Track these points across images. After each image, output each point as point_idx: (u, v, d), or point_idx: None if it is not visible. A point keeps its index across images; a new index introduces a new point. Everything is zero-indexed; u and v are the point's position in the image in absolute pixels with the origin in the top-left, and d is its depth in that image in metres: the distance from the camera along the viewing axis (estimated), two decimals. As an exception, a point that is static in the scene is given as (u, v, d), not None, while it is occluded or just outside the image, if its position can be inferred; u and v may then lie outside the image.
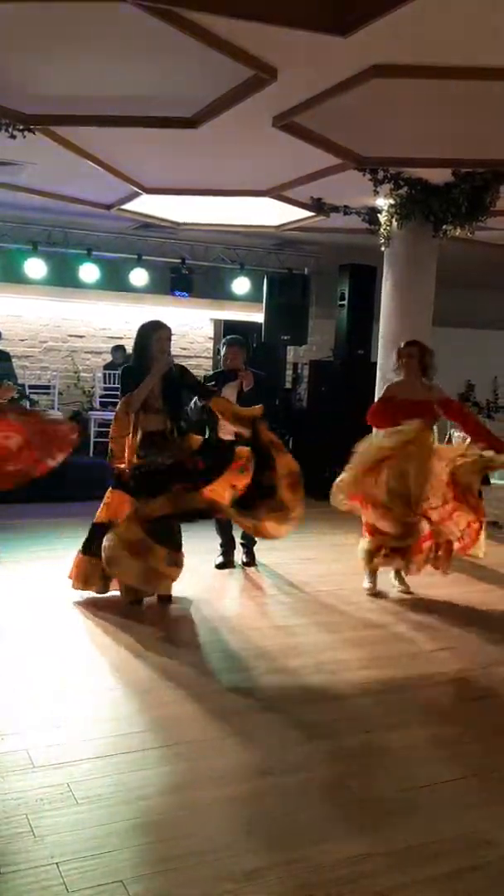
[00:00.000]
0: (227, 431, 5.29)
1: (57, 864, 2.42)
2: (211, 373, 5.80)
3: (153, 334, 4.85)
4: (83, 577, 4.94)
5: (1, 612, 4.76)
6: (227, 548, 5.95)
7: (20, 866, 2.40)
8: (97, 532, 4.86)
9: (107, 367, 9.80)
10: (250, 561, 5.93)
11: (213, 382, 5.61)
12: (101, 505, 4.95)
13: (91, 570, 4.89)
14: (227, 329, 10.45)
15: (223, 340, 5.92)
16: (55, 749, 3.13)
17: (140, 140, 5.49)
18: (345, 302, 9.09)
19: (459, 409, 5.44)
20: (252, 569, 5.86)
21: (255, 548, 5.99)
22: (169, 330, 4.92)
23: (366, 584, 5.38)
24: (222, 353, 5.87)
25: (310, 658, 4.23)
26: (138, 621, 4.64)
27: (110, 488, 4.94)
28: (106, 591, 4.92)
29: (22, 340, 9.96)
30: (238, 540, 5.98)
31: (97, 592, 4.93)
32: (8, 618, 4.66)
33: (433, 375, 5.42)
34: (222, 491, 4.68)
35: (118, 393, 8.99)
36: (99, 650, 4.25)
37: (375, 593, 5.34)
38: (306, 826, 2.71)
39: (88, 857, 2.46)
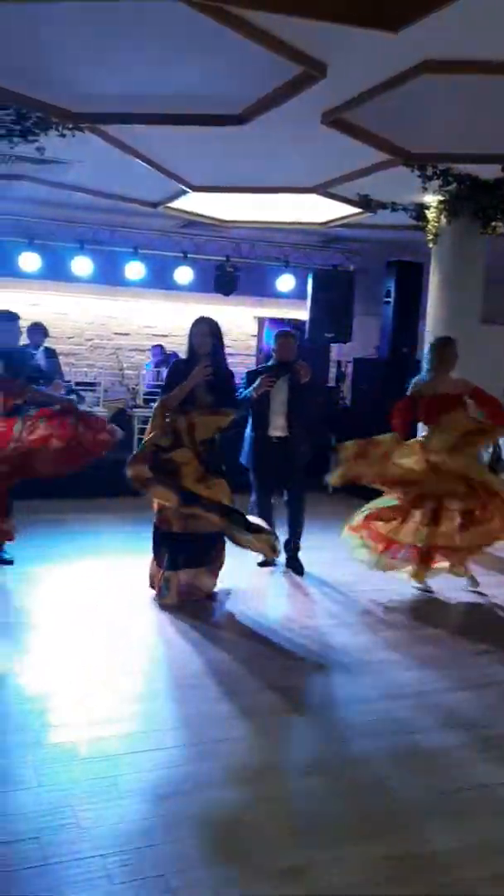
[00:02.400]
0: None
1: (101, 855, 2.44)
2: (259, 366, 5.76)
3: (192, 329, 4.89)
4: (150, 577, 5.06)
5: (52, 609, 4.83)
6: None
7: (65, 857, 2.43)
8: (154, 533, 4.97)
9: (148, 365, 9.86)
10: (298, 568, 5.85)
11: (265, 375, 5.53)
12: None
13: (154, 570, 5.02)
14: (272, 326, 10.45)
15: (275, 333, 5.89)
16: (101, 742, 3.16)
17: (187, 138, 5.51)
18: (390, 299, 9.01)
19: (481, 394, 5.33)
20: (292, 569, 5.84)
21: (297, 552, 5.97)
22: (206, 325, 4.90)
23: (415, 583, 5.34)
24: (273, 345, 5.82)
25: (351, 658, 4.21)
26: (182, 618, 4.66)
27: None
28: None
29: (69, 338, 10.09)
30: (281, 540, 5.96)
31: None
32: (59, 613, 4.73)
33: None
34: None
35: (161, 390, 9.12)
36: (145, 646, 4.29)
37: (426, 590, 5.32)
38: (348, 825, 2.70)
39: (132, 850, 2.48)
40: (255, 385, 5.42)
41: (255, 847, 2.54)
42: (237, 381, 5.53)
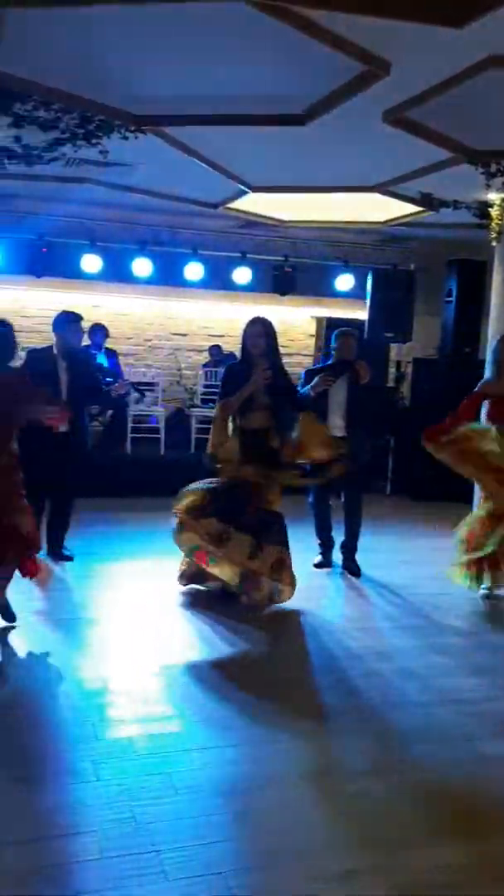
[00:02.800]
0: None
1: (157, 851, 2.47)
2: (316, 365, 5.73)
3: (246, 330, 4.88)
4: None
5: (110, 605, 4.91)
6: (326, 547, 5.92)
7: (121, 852, 2.46)
8: None
9: (205, 365, 9.92)
10: (354, 570, 5.81)
11: (325, 373, 5.51)
12: None
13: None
14: (330, 326, 10.39)
15: (335, 332, 5.84)
16: (157, 739, 3.19)
17: (248, 138, 5.52)
18: (452, 298, 8.88)
19: None
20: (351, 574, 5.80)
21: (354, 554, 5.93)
22: (260, 325, 4.88)
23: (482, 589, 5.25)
24: (333, 344, 5.78)
25: (406, 662, 4.17)
26: (238, 619, 4.68)
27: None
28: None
29: (128, 338, 10.21)
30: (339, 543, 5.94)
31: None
32: (117, 610, 4.80)
33: None
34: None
35: (218, 391, 9.18)
36: (201, 644, 4.32)
37: (491, 595, 5.25)
38: (403, 830, 2.68)
39: (188, 847, 2.50)
40: (313, 383, 5.40)
41: (312, 849, 2.53)
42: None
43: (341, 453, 4.87)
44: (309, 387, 5.43)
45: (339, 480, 5.24)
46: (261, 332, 4.85)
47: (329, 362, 5.80)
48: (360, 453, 5.74)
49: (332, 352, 5.79)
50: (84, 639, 4.32)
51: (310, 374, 5.66)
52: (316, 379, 5.42)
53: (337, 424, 5.63)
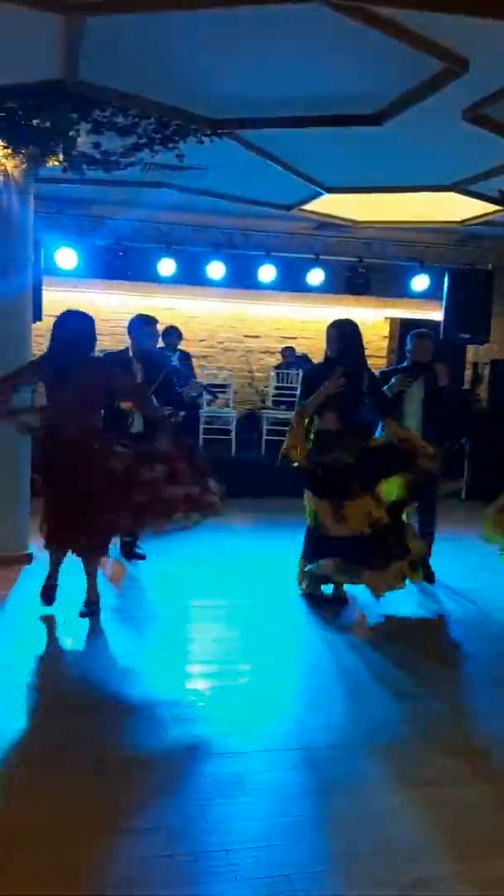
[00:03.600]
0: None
1: (227, 851, 2.48)
2: (391, 367, 5.66)
3: (329, 331, 4.86)
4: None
5: (181, 604, 4.96)
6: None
7: (191, 850, 2.48)
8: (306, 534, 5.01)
9: (277, 367, 9.93)
10: (429, 576, 5.65)
11: (403, 375, 5.46)
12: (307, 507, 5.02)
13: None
14: (404, 327, 10.26)
15: (410, 333, 5.76)
16: (227, 739, 3.21)
17: (323, 139, 5.49)
18: (530, 299, 8.65)
19: None
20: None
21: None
22: (339, 328, 4.86)
23: None
24: (409, 346, 5.70)
25: (482, 669, 4.08)
26: (313, 621, 4.66)
27: (306, 491, 4.98)
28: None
29: (200, 341, 10.31)
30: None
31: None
32: (188, 610, 4.84)
33: None
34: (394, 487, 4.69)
35: (291, 393, 9.17)
36: (273, 647, 4.32)
37: None
38: (476, 839, 2.62)
39: (258, 848, 2.50)
40: (389, 385, 5.35)
41: (383, 855, 2.50)
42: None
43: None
44: (385, 388, 5.37)
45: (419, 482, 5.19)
46: (334, 336, 4.84)
47: (405, 364, 5.72)
48: (437, 457, 5.65)
49: (408, 353, 5.70)
50: (155, 637, 4.38)
51: (386, 375, 5.60)
52: (392, 380, 5.36)
53: (413, 427, 5.55)
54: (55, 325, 4.37)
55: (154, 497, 4.10)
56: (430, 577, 5.65)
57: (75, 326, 4.28)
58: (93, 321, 4.38)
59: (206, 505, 4.17)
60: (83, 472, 4.10)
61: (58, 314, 4.36)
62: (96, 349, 4.55)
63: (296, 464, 4.89)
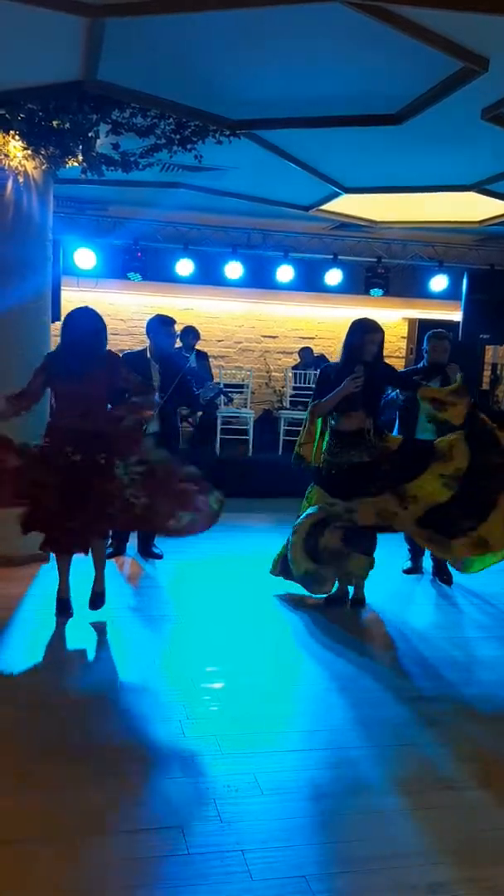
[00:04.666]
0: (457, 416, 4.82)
1: (242, 851, 2.48)
2: (409, 368, 5.65)
3: (360, 335, 4.79)
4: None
5: (199, 604, 4.97)
6: (415, 553, 5.82)
7: (207, 849, 2.48)
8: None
9: (295, 367, 9.92)
10: (446, 577, 5.66)
11: (418, 376, 5.44)
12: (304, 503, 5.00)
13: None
14: (422, 327, 10.22)
15: (427, 334, 5.73)
16: (243, 739, 3.21)
17: (342, 139, 5.48)
18: (550, 299, 8.59)
19: None
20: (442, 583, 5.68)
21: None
22: (371, 327, 4.80)
23: None
24: (426, 346, 5.67)
25: (498, 673, 4.05)
26: (325, 622, 4.65)
27: (315, 486, 4.97)
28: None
29: (219, 341, 10.33)
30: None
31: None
32: (206, 609, 4.85)
33: None
34: (431, 485, 4.57)
35: (308, 393, 9.15)
36: (289, 647, 4.32)
37: None
38: (492, 844, 2.60)
39: (273, 848, 2.50)
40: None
41: (398, 858, 2.49)
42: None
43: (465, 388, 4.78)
44: (398, 391, 5.36)
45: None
46: (373, 339, 4.80)
47: (422, 365, 5.70)
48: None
49: (425, 354, 5.68)
50: (172, 636, 4.39)
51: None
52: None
53: (428, 429, 5.53)
54: (63, 323, 4.40)
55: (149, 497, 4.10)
56: (446, 579, 5.62)
57: (82, 323, 4.28)
58: (99, 317, 4.35)
59: (198, 508, 4.13)
60: (85, 478, 4.09)
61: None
62: (113, 349, 4.56)
63: (308, 463, 4.88)
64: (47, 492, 4.09)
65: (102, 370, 4.26)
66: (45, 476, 4.10)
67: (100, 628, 4.35)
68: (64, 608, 4.43)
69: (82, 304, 4.44)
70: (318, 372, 9.08)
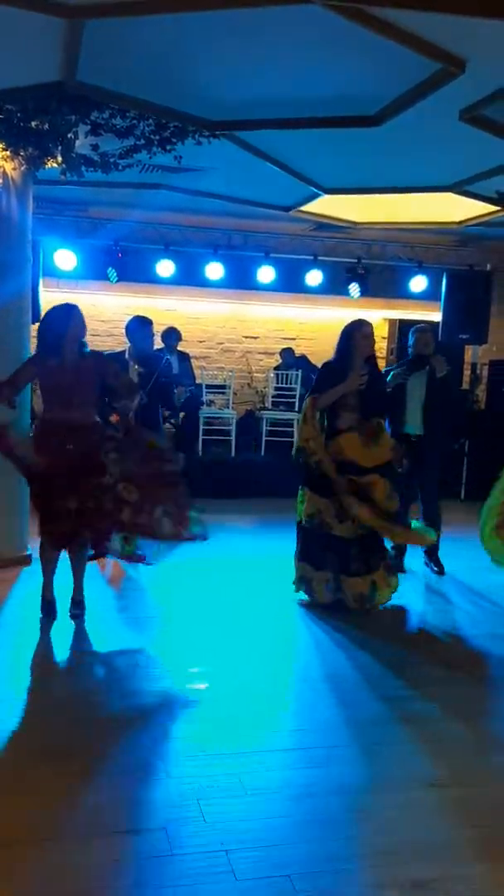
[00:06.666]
0: None
1: (226, 851, 2.48)
2: (396, 364, 5.75)
3: (352, 331, 4.85)
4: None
5: (188, 605, 4.96)
6: (398, 551, 5.85)
7: (191, 850, 2.48)
8: (301, 534, 4.98)
9: (277, 368, 9.93)
10: (438, 566, 5.82)
11: (403, 368, 5.59)
12: (299, 506, 5.00)
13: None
14: (403, 327, 10.27)
15: (413, 328, 5.84)
16: (227, 739, 3.21)
17: (320, 140, 5.50)
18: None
19: None
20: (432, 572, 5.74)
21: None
22: (370, 328, 4.90)
23: None
24: (411, 340, 5.77)
25: (491, 669, 4.08)
26: (319, 620, 4.66)
27: (306, 489, 4.95)
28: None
29: (200, 342, 10.31)
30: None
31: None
32: (195, 611, 4.85)
33: None
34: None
35: (290, 394, 9.17)
36: (278, 646, 4.33)
37: None
38: (478, 841, 2.62)
39: (257, 847, 2.50)
40: (388, 378, 5.42)
41: (380, 855, 2.50)
42: None
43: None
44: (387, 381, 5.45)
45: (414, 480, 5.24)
46: (371, 334, 4.87)
47: (408, 359, 5.79)
48: (436, 451, 5.71)
49: (410, 348, 5.77)
50: (156, 638, 4.39)
51: (388, 372, 5.71)
52: (391, 374, 5.44)
53: (416, 422, 5.60)
54: (41, 322, 4.45)
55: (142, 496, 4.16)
56: (439, 566, 5.70)
57: (58, 317, 4.31)
58: (76, 309, 4.37)
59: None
60: (79, 468, 4.11)
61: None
62: (91, 345, 4.56)
63: (314, 458, 4.78)
64: (42, 480, 4.15)
65: (88, 365, 4.29)
66: (37, 465, 4.16)
67: (84, 630, 4.33)
68: (49, 609, 4.42)
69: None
70: (299, 373, 9.19)
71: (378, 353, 10.51)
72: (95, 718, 3.37)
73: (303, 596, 4.99)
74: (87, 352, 4.39)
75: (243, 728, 3.32)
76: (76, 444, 4.18)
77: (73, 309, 4.36)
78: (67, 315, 4.32)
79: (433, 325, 9.58)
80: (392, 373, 5.55)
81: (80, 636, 4.27)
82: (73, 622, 4.40)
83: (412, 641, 4.48)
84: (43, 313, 4.53)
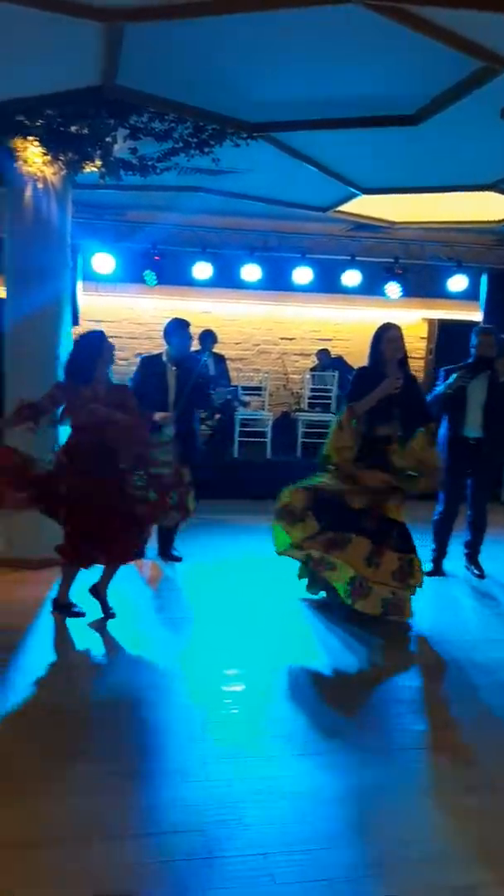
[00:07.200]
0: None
1: (264, 854, 2.47)
2: (455, 365, 5.59)
3: (382, 334, 4.78)
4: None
5: (218, 606, 4.97)
6: (438, 554, 5.79)
7: (229, 853, 2.48)
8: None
9: (313, 369, 9.90)
10: (478, 569, 5.76)
11: (462, 371, 5.47)
12: None
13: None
14: (442, 328, 10.18)
15: (475, 329, 5.71)
16: (263, 742, 3.20)
17: (359, 140, 5.47)
18: None
19: None
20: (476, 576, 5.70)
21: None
22: (397, 331, 4.79)
23: None
24: (473, 341, 5.62)
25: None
26: (353, 625, 4.63)
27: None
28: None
29: (236, 343, 10.32)
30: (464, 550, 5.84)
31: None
32: (226, 611, 4.85)
33: None
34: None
35: (326, 395, 9.14)
36: (306, 648, 4.31)
37: None
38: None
39: (296, 851, 2.49)
40: (449, 381, 5.34)
41: (428, 861, 2.47)
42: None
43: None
44: (445, 384, 5.36)
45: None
46: (398, 337, 4.77)
47: (469, 361, 5.65)
48: (494, 455, 5.63)
49: (472, 349, 5.64)
50: (193, 638, 4.40)
51: (449, 372, 5.59)
52: (453, 377, 5.35)
53: (476, 424, 5.51)
54: (72, 348, 4.58)
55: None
56: (477, 572, 5.72)
57: (90, 345, 4.41)
58: (98, 338, 4.46)
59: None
60: (103, 489, 4.20)
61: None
62: (131, 352, 4.61)
63: (334, 467, 4.78)
64: (63, 504, 4.24)
65: (116, 396, 4.37)
66: (58, 488, 4.23)
67: (120, 631, 4.36)
68: (63, 613, 4.48)
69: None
70: (335, 374, 9.15)
71: (416, 354, 10.52)
72: (130, 719, 3.38)
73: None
74: (116, 384, 4.52)
75: (281, 730, 3.31)
76: (100, 471, 4.22)
77: (102, 336, 4.47)
78: (99, 342, 4.42)
79: (472, 325, 9.50)
80: (454, 375, 5.43)
81: (114, 637, 4.29)
82: (114, 621, 4.44)
83: (451, 645, 4.41)
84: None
